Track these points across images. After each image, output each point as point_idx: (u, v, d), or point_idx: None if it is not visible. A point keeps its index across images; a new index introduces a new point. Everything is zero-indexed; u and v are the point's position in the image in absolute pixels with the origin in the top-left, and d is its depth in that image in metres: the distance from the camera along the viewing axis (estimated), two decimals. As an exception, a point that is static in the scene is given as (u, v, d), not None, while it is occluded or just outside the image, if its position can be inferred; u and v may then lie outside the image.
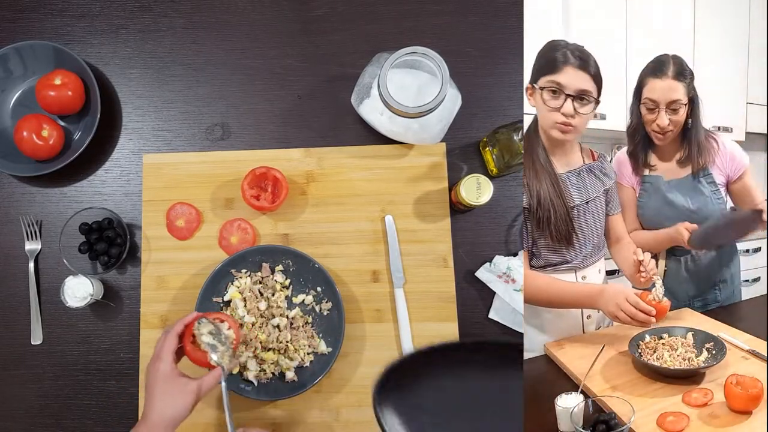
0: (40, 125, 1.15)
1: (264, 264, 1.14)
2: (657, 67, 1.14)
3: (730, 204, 1.21)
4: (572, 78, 1.01)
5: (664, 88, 1.13)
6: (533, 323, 1.11)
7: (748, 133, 1.82)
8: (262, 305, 1.12)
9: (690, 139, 1.17)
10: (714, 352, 0.95)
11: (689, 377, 0.92)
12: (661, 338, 1.01)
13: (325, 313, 1.14)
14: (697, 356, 0.95)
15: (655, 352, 0.98)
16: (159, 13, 1.26)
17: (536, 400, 0.92)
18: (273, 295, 1.13)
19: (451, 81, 1.07)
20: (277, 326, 1.12)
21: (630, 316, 0.98)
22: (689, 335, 1.00)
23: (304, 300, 1.14)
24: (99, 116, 1.16)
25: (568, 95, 1.01)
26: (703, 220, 1.17)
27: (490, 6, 1.25)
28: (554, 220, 1.04)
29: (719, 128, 1.74)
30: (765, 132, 1.79)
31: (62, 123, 1.21)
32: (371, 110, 1.11)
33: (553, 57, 1.02)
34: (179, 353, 0.95)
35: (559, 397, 0.87)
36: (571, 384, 0.97)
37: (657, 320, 0.99)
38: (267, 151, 1.20)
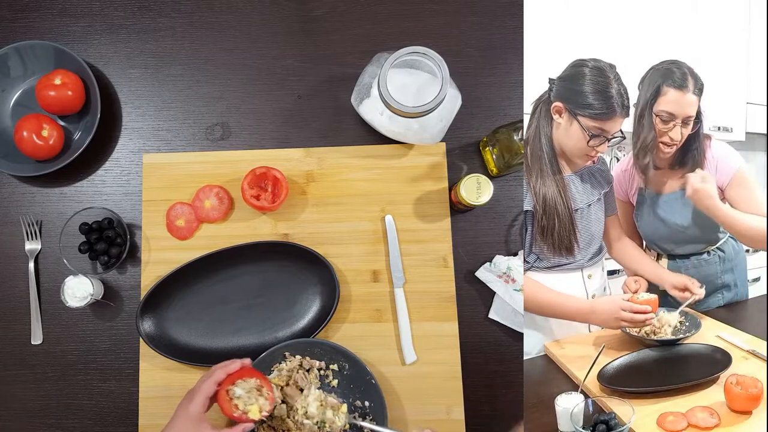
0: (40, 125, 1.15)
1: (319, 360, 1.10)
2: (678, 78, 1.09)
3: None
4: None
5: (685, 103, 1.09)
6: (539, 321, 1.12)
7: (748, 133, 1.82)
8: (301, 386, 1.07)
9: (689, 150, 1.14)
10: (687, 324, 1.10)
11: (671, 345, 1.06)
12: None
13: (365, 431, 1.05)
14: (674, 329, 1.10)
15: (640, 331, 1.10)
16: (159, 13, 1.26)
17: (536, 400, 0.92)
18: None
19: (451, 81, 1.07)
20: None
21: (630, 321, 1.04)
22: (661, 313, 1.12)
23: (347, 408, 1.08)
24: (99, 116, 1.16)
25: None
26: (697, 235, 1.17)
27: (490, 6, 1.25)
28: (558, 228, 1.05)
29: (719, 128, 1.74)
30: (765, 132, 1.79)
31: (62, 123, 1.21)
32: (371, 110, 1.11)
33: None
34: (213, 397, 0.95)
35: (559, 397, 0.87)
36: (571, 384, 0.97)
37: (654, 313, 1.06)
38: (267, 151, 1.20)
